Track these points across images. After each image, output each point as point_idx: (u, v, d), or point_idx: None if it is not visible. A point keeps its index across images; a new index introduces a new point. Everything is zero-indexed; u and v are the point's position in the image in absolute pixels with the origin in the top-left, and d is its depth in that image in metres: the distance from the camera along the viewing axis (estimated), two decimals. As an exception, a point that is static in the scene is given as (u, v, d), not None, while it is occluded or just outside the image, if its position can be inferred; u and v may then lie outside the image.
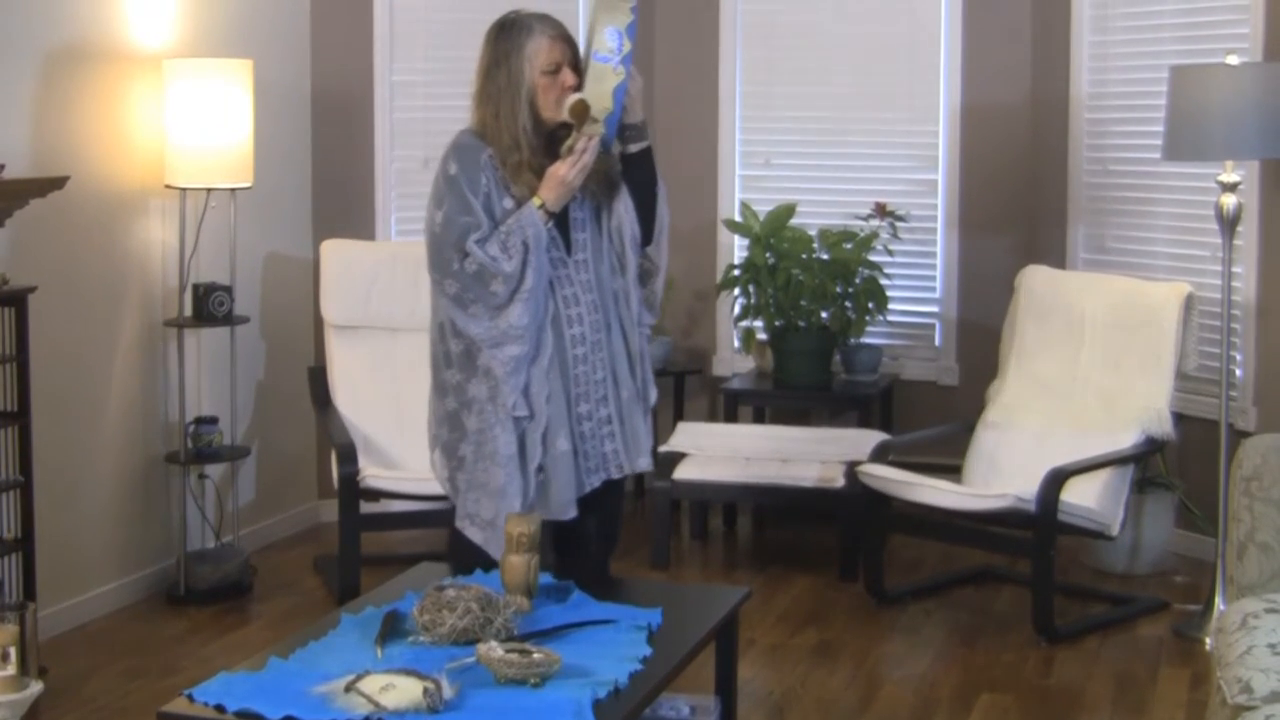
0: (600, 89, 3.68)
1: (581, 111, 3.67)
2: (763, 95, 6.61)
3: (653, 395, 3.97)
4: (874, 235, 6.18)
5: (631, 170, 3.86)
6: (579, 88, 3.72)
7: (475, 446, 3.77)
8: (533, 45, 3.73)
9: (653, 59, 6.48)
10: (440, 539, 5.94)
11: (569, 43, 3.78)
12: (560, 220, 3.77)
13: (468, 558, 3.77)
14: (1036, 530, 4.83)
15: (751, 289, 6.16)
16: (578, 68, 3.76)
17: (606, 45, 3.67)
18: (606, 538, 4.03)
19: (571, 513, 3.81)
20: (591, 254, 3.84)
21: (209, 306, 5.36)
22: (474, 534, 3.81)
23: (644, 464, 3.94)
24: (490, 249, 3.67)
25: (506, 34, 3.76)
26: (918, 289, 6.47)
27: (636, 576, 5.22)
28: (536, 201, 3.70)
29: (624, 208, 3.85)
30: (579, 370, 3.80)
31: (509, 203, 3.73)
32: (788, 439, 5.93)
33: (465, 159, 3.73)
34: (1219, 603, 4.88)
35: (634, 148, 3.84)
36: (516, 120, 3.72)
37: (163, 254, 5.39)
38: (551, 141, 3.77)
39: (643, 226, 3.87)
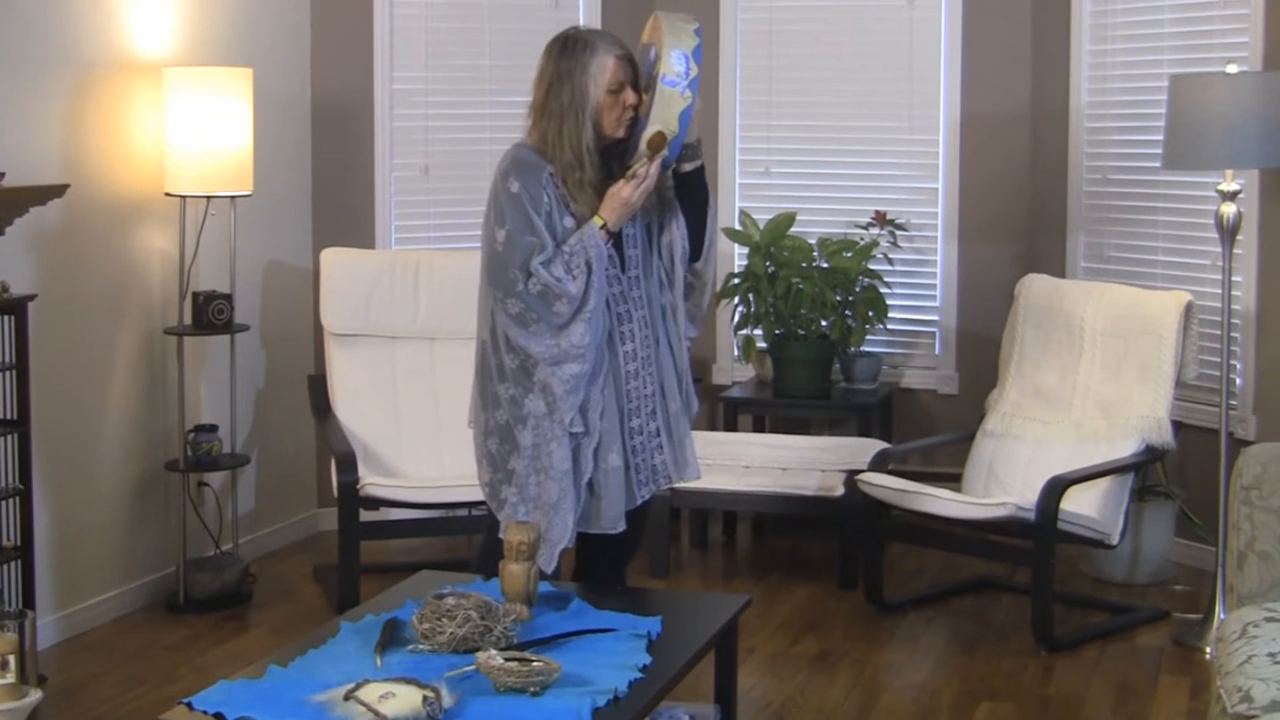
0: (668, 113, 3.68)
1: (660, 144, 3.68)
2: (762, 104, 6.61)
3: (695, 407, 4.00)
4: (874, 244, 6.18)
5: (685, 188, 3.89)
6: (639, 106, 3.74)
7: (530, 461, 3.78)
8: (597, 63, 3.73)
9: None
10: (440, 547, 5.99)
11: (631, 62, 3.79)
12: (615, 237, 3.78)
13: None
14: (1036, 539, 4.83)
15: (751, 298, 6.16)
16: (638, 86, 3.77)
17: (674, 69, 3.67)
18: (632, 544, 4.05)
19: (621, 526, 3.84)
20: (642, 270, 3.87)
21: (209, 314, 5.35)
22: None
23: (692, 474, 3.97)
24: (555, 270, 3.67)
25: (570, 50, 3.76)
26: (917, 298, 6.47)
27: (636, 585, 5.21)
28: (598, 221, 3.72)
29: (676, 224, 3.88)
30: (631, 385, 3.83)
31: (569, 221, 3.74)
32: (787, 448, 5.93)
33: (527, 176, 3.73)
34: (1219, 612, 4.88)
35: (688, 166, 3.87)
36: (580, 137, 3.73)
37: (162, 262, 5.39)
38: (607, 158, 3.79)
39: (692, 242, 3.90)
